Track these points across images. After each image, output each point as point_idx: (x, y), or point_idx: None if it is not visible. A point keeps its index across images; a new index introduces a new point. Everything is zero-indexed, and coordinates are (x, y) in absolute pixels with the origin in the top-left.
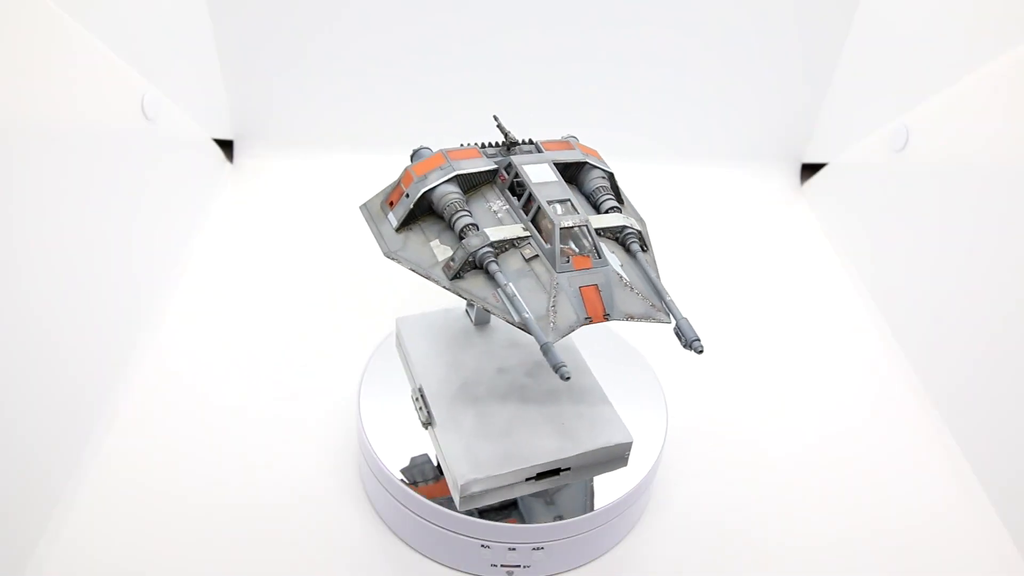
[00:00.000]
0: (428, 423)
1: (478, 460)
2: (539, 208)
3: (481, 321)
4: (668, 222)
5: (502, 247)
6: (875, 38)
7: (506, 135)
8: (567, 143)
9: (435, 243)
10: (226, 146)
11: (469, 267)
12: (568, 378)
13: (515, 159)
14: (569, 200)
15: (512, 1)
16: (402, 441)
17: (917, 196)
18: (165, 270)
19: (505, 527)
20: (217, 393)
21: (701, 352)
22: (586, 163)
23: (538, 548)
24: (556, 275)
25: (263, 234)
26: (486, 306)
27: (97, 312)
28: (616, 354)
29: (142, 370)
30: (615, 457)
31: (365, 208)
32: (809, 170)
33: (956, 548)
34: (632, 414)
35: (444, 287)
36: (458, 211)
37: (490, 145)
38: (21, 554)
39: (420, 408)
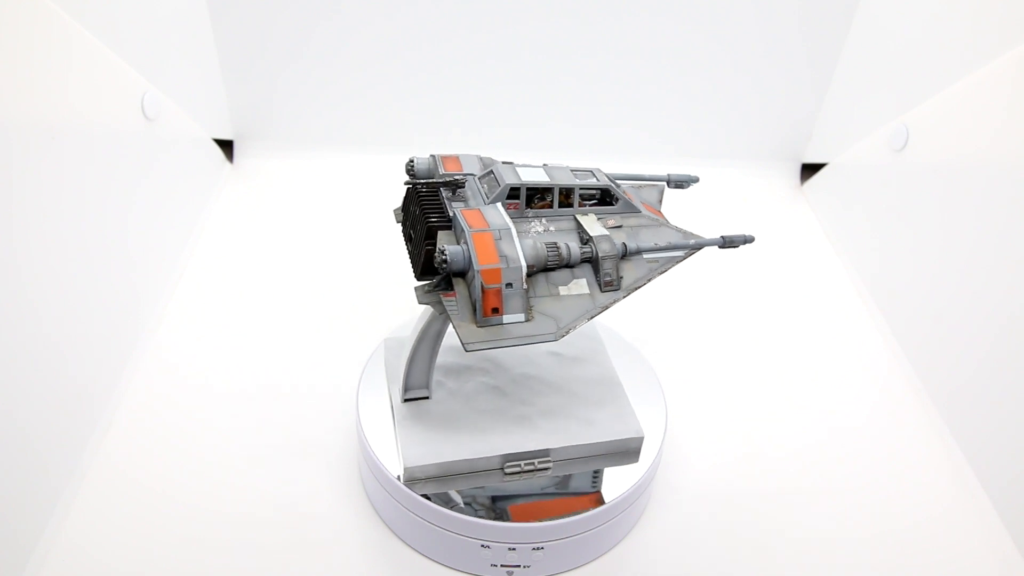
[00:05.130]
0: (549, 467)
1: (634, 413)
2: (579, 194)
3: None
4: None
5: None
6: (875, 38)
7: (450, 181)
8: (452, 158)
9: (563, 289)
10: (226, 146)
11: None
12: (754, 238)
13: (510, 181)
14: (570, 169)
15: (512, 1)
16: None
17: (917, 196)
18: (165, 270)
19: (505, 527)
20: (217, 393)
21: (697, 180)
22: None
23: (538, 548)
24: (646, 213)
25: (263, 234)
26: (658, 272)
27: (97, 312)
28: (615, 353)
29: (142, 370)
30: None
31: (475, 344)
32: (809, 170)
33: (956, 548)
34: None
35: (621, 299)
36: (559, 246)
37: (439, 194)
38: (21, 554)
39: (535, 465)
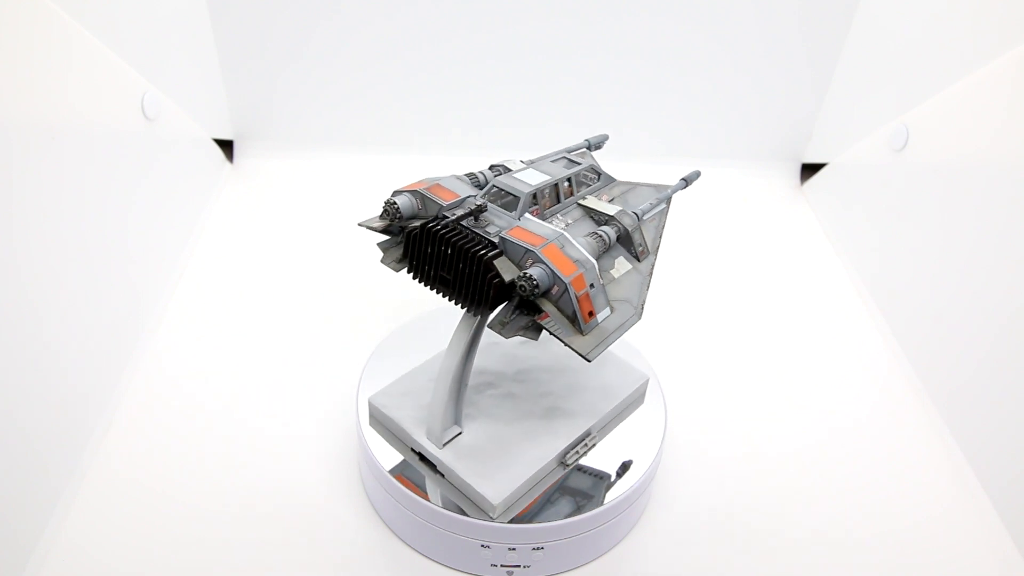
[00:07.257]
0: (595, 441)
1: (629, 363)
2: (578, 182)
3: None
4: (668, 222)
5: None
6: (875, 38)
7: (474, 209)
8: (437, 185)
9: (615, 271)
10: (226, 146)
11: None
12: (700, 173)
13: (527, 189)
14: (555, 162)
15: (513, 2)
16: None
17: (917, 196)
18: (165, 270)
19: (505, 527)
20: (216, 394)
21: (607, 138)
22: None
23: (538, 548)
24: (622, 181)
25: (263, 234)
26: (662, 227)
27: (97, 313)
28: (615, 353)
29: (142, 370)
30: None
31: (593, 352)
32: (809, 170)
33: (956, 548)
34: (631, 414)
35: (654, 261)
36: (600, 234)
37: (459, 227)
38: (21, 554)
39: (587, 446)
